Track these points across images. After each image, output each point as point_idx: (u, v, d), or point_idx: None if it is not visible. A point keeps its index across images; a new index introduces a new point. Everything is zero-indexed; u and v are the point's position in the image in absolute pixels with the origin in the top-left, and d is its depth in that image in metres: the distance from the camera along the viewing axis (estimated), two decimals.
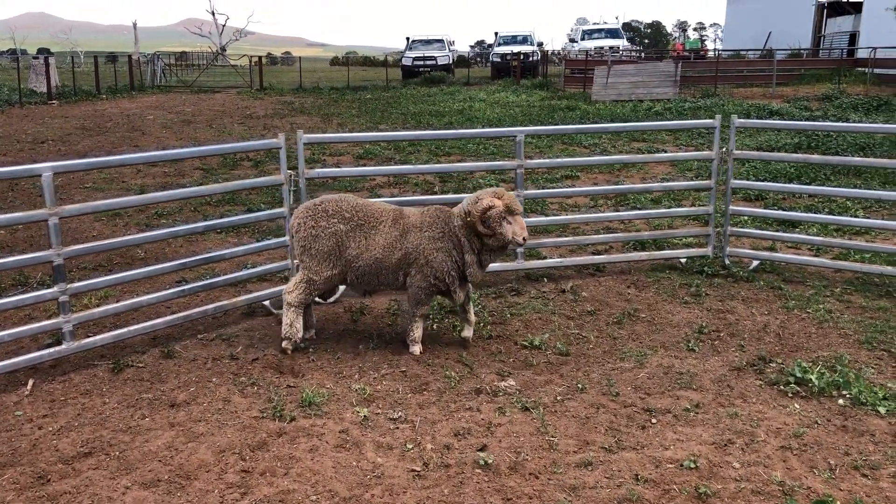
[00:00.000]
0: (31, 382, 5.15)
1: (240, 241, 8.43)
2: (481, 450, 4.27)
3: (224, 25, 57.91)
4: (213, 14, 58.47)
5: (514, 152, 7.12)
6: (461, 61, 50.23)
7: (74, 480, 4.00)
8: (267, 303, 6.49)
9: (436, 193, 11.14)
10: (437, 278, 5.51)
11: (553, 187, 11.30)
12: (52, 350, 5.36)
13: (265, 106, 25.71)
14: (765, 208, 9.49)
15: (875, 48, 26.83)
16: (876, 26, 30.34)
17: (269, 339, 5.90)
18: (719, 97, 24.13)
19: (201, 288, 6.31)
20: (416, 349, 5.65)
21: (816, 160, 8.43)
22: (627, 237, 7.97)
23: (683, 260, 7.62)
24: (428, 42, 40.34)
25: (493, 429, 4.51)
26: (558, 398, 4.90)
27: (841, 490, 3.86)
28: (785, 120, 17.65)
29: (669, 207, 9.66)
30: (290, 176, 6.46)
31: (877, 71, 26.83)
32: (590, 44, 37.76)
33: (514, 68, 34.61)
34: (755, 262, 7.50)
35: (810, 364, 5.21)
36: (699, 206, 9.46)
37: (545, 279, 7.31)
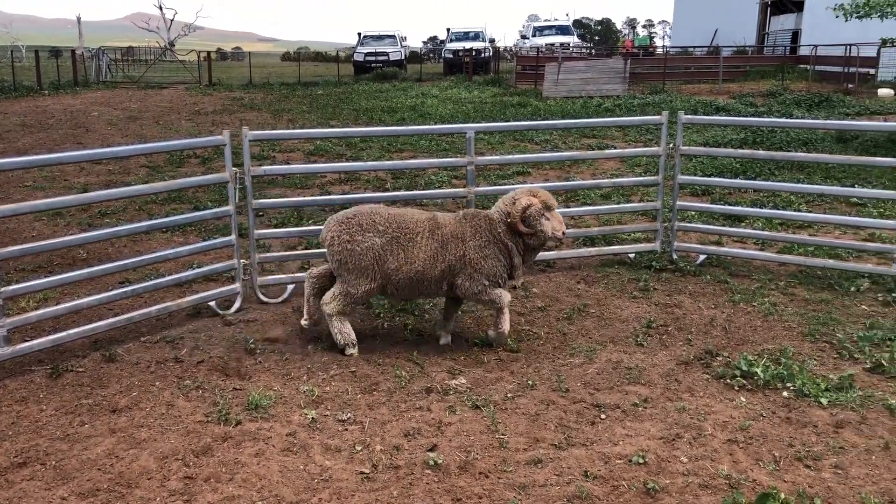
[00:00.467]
0: None
1: (186, 241, 8.25)
2: (431, 450, 4.23)
3: (172, 20, 56.82)
4: (160, 8, 57.29)
5: (464, 150, 7.09)
6: (414, 57, 50.10)
7: (7, 493, 3.85)
8: (213, 303, 6.35)
9: (387, 190, 11.08)
10: (491, 280, 5.48)
11: (505, 184, 11.31)
12: None
13: (214, 102, 25.29)
14: (711, 203, 9.65)
15: (816, 46, 27.51)
16: (817, 24, 31.13)
17: (215, 341, 5.77)
18: (667, 93, 24.48)
19: (145, 289, 6.15)
20: (504, 337, 5.60)
21: (762, 156, 8.59)
22: (577, 233, 8.01)
23: (632, 255, 7.69)
24: (379, 37, 40.16)
25: (444, 428, 4.48)
26: (509, 395, 4.89)
27: (785, 482, 3.91)
28: (731, 116, 17.95)
29: (619, 203, 9.76)
30: (236, 173, 6.33)
31: (818, 68, 27.52)
32: (541, 40, 37.99)
33: (466, 64, 34.65)
34: (702, 257, 7.60)
35: (756, 357, 5.28)
36: (647, 201, 9.55)
37: None
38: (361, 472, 4.02)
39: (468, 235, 5.46)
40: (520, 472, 4.02)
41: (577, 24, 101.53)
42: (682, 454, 4.18)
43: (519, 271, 5.55)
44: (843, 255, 7.55)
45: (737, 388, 4.94)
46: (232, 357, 5.48)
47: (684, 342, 5.74)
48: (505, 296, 5.54)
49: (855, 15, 13.15)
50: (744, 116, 17.85)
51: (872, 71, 24.80)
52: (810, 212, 9.18)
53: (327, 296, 5.54)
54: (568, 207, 9.71)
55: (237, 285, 6.49)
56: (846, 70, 24.98)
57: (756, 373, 5.01)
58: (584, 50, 43.92)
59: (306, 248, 7.91)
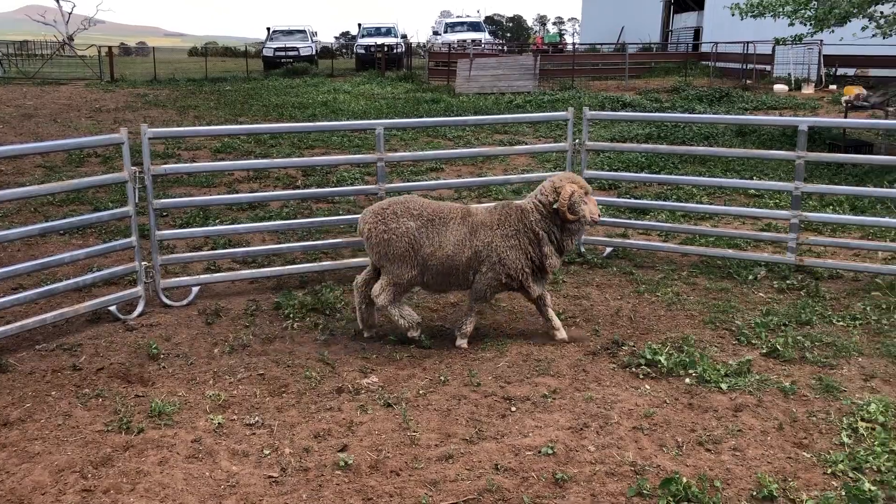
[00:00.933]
0: None
1: (85, 243, 7.91)
2: (342, 450, 4.18)
3: (70, 13, 54.35)
4: (57, 1, 54.74)
5: (376, 145, 7.04)
6: (326, 52, 49.52)
7: None
8: (114, 308, 6.11)
9: (298, 188, 10.91)
10: (510, 276, 5.47)
11: (418, 180, 11.30)
12: None
13: (117, 99, 24.36)
14: (618, 197, 9.89)
15: (717, 43, 28.57)
16: (716, 23, 32.29)
17: (117, 347, 5.56)
18: (576, 90, 24.97)
19: (40, 295, 5.87)
20: (464, 343, 5.60)
21: (664, 150, 8.87)
22: None
23: None
24: (290, 32, 39.51)
25: (355, 428, 4.44)
26: (421, 392, 4.88)
27: (687, 466, 4.04)
28: (637, 111, 18.48)
29: None
30: (135, 172, 6.10)
31: (719, 64, 28.60)
32: (453, 37, 38.12)
33: (379, 60, 34.47)
34: (608, 249, 7.78)
35: (659, 346, 5.42)
36: None
37: None
38: (270, 477, 3.94)
39: (496, 223, 5.49)
40: (431, 469, 4.01)
41: (489, 20, 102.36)
42: (589, 443, 4.26)
43: (552, 260, 5.53)
44: (742, 244, 7.86)
45: (642, 377, 5.07)
46: (134, 363, 5.29)
47: (592, 333, 5.86)
48: (481, 305, 5.69)
49: (750, 14, 13.70)
50: (649, 112, 18.39)
51: (768, 68, 25.92)
52: (711, 204, 9.52)
53: (376, 288, 5.58)
54: (481, 203, 9.79)
55: (139, 288, 6.27)
56: (745, 67, 26.02)
57: (660, 361, 5.16)
58: (496, 47, 44.31)
59: (213, 249, 7.71)
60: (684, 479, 3.78)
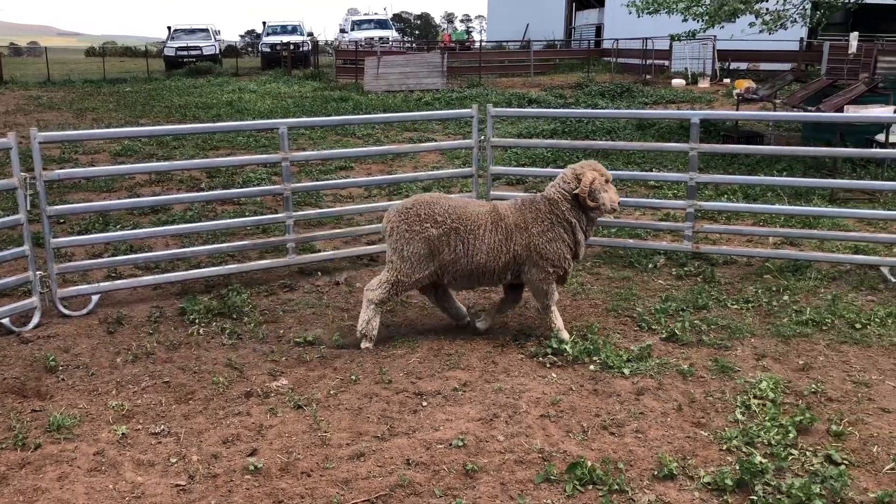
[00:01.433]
0: None
1: None
2: (251, 454, 4.13)
3: None
4: None
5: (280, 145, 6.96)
6: (232, 51, 48.43)
7: None
8: (6, 321, 5.84)
9: (202, 190, 10.66)
10: (556, 267, 5.46)
11: (327, 179, 11.22)
12: None
13: (6, 101, 23.19)
14: (525, 192, 10.06)
15: (617, 39, 29.40)
16: (616, 19, 33.24)
17: (11, 361, 5.32)
18: (484, 87, 25.26)
19: None
20: (565, 335, 5.52)
21: (565, 145, 9.09)
22: None
23: None
24: (192, 31, 38.46)
25: (265, 431, 4.39)
26: (332, 392, 4.87)
27: (592, 450, 4.17)
28: (542, 107, 18.86)
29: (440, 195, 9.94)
30: (26, 179, 5.85)
31: (620, 60, 29.45)
32: (360, 34, 37.97)
33: (285, 59, 33.97)
34: None
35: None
36: (466, 192, 9.82)
37: (319, 273, 7.24)
38: (177, 485, 3.86)
39: (530, 222, 5.44)
40: (342, 468, 4.01)
41: (397, 18, 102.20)
42: (499, 433, 4.34)
43: (582, 247, 5.56)
44: (642, 234, 8.14)
45: (548, 366, 5.20)
46: (30, 377, 5.08)
47: (501, 325, 5.96)
48: (553, 298, 5.58)
49: (646, 11, 14.18)
50: (554, 108, 18.79)
51: (667, 63, 26.87)
52: None
53: (374, 282, 5.56)
54: (391, 200, 9.81)
55: (34, 299, 6.02)
56: (644, 62, 26.89)
57: (565, 349, 5.30)
58: (405, 44, 44.36)
59: (113, 255, 7.46)
60: (589, 463, 3.91)
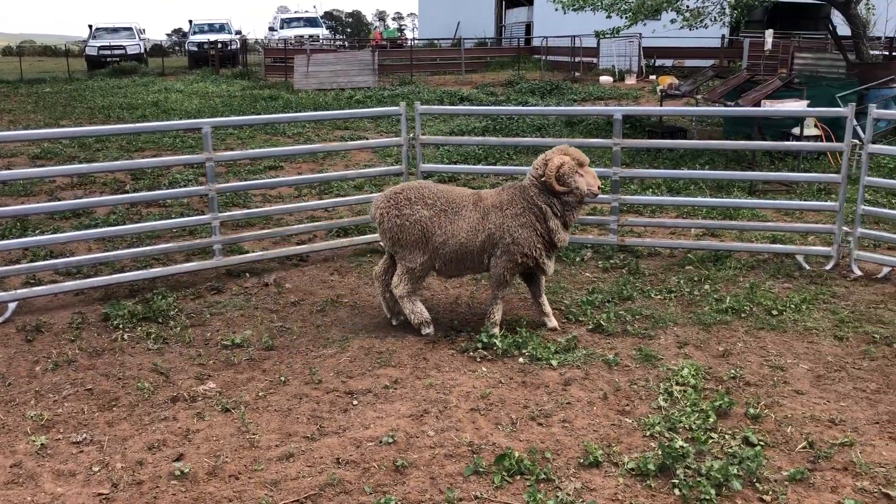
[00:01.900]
0: None
1: None
2: (177, 460, 4.06)
3: None
4: None
5: (214, 145, 6.83)
6: (158, 50, 47.28)
7: None
8: None
9: (127, 192, 10.38)
10: (525, 255, 5.42)
11: (256, 178, 11.07)
12: None
13: None
14: None
15: (546, 37, 29.78)
16: (545, 17, 33.64)
17: None
18: (415, 84, 25.27)
19: None
20: (496, 331, 5.55)
21: (493, 142, 9.17)
22: (329, 225, 8.05)
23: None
24: (115, 30, 37.38)
25: (191, 436, 4.32)
26: (260, 394, 4.82)
27: (521, 441, 4.23)
28: (474, 105, 18.98)
29: (371, 193, 9.93)
30: None
31: (550, 58, 29.83)
32: (289, 32, 37.57)
33: (212, 57, 33.32)
34: None
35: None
36: None
37: (247, 274, 7.14)
38: (100, 494, 3.77)
39: (504, 204, 5.45)
40: (271, 469, 3.99)
41: (328, 16, 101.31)
42: (429, 428, 4.37)
43: (560, 234, 5.47)
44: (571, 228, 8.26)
45: (479, 360, 5.25)
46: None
47: (432, 321, 5.97)
48: (504, 291, 5.62)
49: (572, 8, 14.42)
50: (485, 105, 18.93)
51: (595, 60, 27.34)
52: None
53: (394, 279, 5.63)
54: (321, 199, 9.75)
55: None
56: (573, 60, 27.30)
57: (495, 343, 5.36)
58: (336, 42, 44.02)
59: (32, 261, 7.21)
60: (517, 454, 3.97)
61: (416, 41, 42.82)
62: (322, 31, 40.00)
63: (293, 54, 27.16)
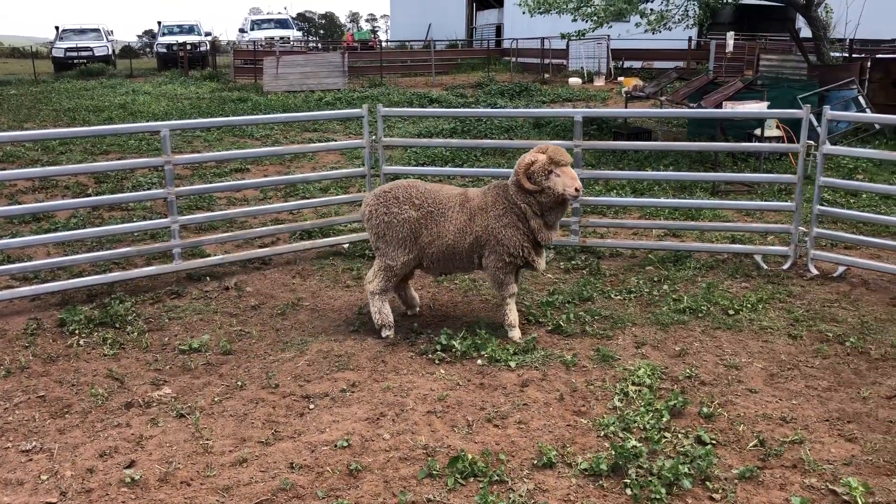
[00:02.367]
0: None
1: None
2: (129, 467, 4.02)
3: None
4: None
5: (180, 147, 6.77)
6: (129, 52, 46.75)
7: None
8: None
9: (89, 195, 10.26)
10: (512, 254, 5.41)
11: (221, 181, 10.98)
12: None
13: None
14: None
15: (516, 39, 29.89)
16: (515, 19, 33.71)
17: None
18: (386, 86, 25.24)
19: None
20: (516, 334, 5.55)
21: (455, 143, 9.21)
22: (291, 228, 8.01)
23: (346, 245, 7.86)
24: (81, 31, 36.90)
25: (144, 442, 4.28)
26: (216, 399, 4.79)
27: (476, 443, 4.24)
28: (443, 107, 18.99)
29: (337, 195, 9.90)
30: None
31: (520, 60, 29.95)
32: (260, 34, 37.34)
33: (181, 59, 33.02)
34: None
35: (454, 331, 5.64)
36: (362, 191, 9.80)
37: (208, 278, 7.08)
38: (48, 503, 3.72)
39: (489, 205, 5.45)
40: (224, 475, 3.96)
41: (301, 17, 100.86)
42: (385, 432, 4.37)
43: (542, 233, 5.40)
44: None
45: (437, 362, 5.26)
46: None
47: (393, 325, 5.97)
48: (510, 289, 5.57)
49: (537, 11, 14.49)
50: (455, 107, 18.96)
51: (564, 62, 27.49)
52: None
53: (369, 274, 5.66)
54: (287, 202, 9.70)
55: None
56: (542, 62, 27.43)
57: (454, 346, 5.37)
58: (309, 44, 43.82)
59: None
60: (470, 456, 3.98)
61: (388, 43, 42.74)
62: (293, 33, 39.81)
63: (263, 56, 26.99)
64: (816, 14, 14.12)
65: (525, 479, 3.89)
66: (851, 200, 9.44)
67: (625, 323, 5.90)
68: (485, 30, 40.29)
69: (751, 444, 4.20)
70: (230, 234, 7.65)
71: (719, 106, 10.64)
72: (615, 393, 4.78)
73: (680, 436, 4.27)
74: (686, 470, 3.86)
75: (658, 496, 3.71)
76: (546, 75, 26.43)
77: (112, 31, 39.80)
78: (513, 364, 5.18)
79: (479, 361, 5.24)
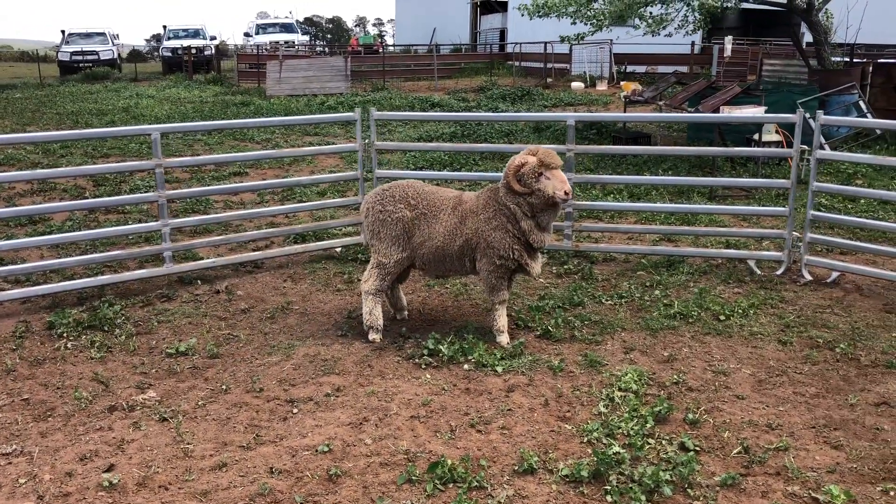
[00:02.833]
0: None
1: None
2: (107, 470, 4.01)
3: None
4: None
5: (181, 151, 6.77)
6: (137, 56, 46.92)
7: None
8: None
9: (86, 198, 10.27)
10: (503, 257, 5.38)
11: (220, 184, 10.98)
12: None
13: None
14: None
15: (520, 43, 29.89)
16: (519, 23, 33.69)
17: None
18: (388, 90, 25.25)
19: None
20: (504, 339, 5.55)
21: (447, 147, 9.23)
22: (284, 231, 8.01)
23: (339, 249, 7.85)
24: (88, 35, 37.09)
25: (125, 446, 4.27)
26: (200, 403, 4.77)
27: (458, 448, 4.21)
28: (444, 111, 18.99)
29: (334, 198, 9.89)
30: None
31: (523, 64, 29.95)
32: (265, 38, 37.40)
33: (186, 63, 33.13)
34: None
35: (442, 335, 5.61)
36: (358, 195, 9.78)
37: (199, 281, 7.07)
38: None
39: (480, 209, 5.45)
40: (203, 479, 3.94)
41: (309, 22, 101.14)
42: (367, 436, 4.35)
43: (535, 235, 5.35)
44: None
45: (424, 367, 5.23)
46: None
47: (381, 328, 5.95)
48: (500, 295, 5.55)
49: (537, 14, 14.46)
50: (456, 111, 18.95)
51: (567, 66, 27.47)
52: None
53: (364, 275, 5.70)
54: (283, 205, 9.70)
55: None
56: (545, 66, 27.41)
57: (441, 350, 5.34)
58: (317, 49, 43.90)
59: None
60: (449, 462, 3.95)
61: (393, 47, 42.79)
62: (298, 37, 39.84)
63: (266, 60, 27.06)
64: (817, 19, 14.07)
65: (505, 486, 3.86)
66: (850, 206, 9.38)
67: (614, 328, 5.87)
68: (489, 34, 40.30)
69: (735, 451, 4.16)
70: (222, 237, 7.64)
71: (716, 110, 10.60)
72: (601, 398, 4.74)
73: (664, 442, 4.23)
74: (667, 477, 3.82)
75: (638, 503, 3.67)
76: (549, 79, 26.40)
77: (118, 35, 40.00)
78: (500, 369, 5.15)
79: (466, 366, 5.21)
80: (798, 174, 6.97)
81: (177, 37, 37.77)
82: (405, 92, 24.92)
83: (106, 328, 5.96)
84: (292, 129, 16.86)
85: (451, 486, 3.86)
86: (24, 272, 6.76)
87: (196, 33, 38.09)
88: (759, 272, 7.09)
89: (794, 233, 7.07)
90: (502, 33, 38.06)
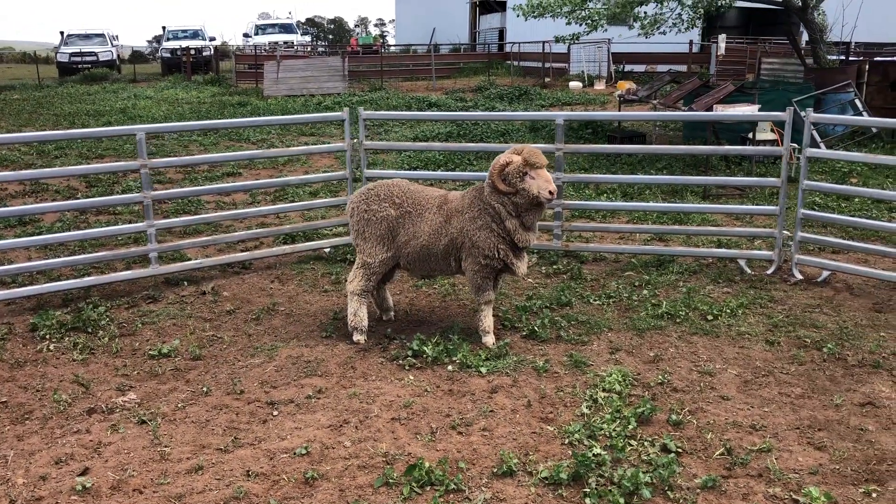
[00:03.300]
0: None
1: None
2: (82, 474, 3.97)
3: None
4: None
5: (176, 151, 6.73)
6: (138, 57, 46.91)
7: None
8: None
9: (77, 198, 10.24)
10: (488, 257, 5.34)
11: (213, 184, 10.94)
12: None
13: None
14: None
15: (518, 43, 29.83)
16: (517, 23, 33.58)
17: None
18: (386, 90, 25.20)
19: None
20: (489, 340, 5.51)
21: (438, 147, 9.17)
22: (272, 232, 7.97)
23: (328, 250, 7.81)
24: (87, 36, 37.06)
25: (101, 449, 4.23)
26: (180, 405, 4.73)
27: (437, 451, 4.17)
28: (442, 111, 18.94)
29: (326, 198, 9.85)
30: None
31: (522, 63, 29.90)
32: (263, 39, 37.40)
33: (185, 64, 33.10)
34: None
35: (427, 336, 5.56)
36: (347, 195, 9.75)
37: (186, 282, 7.04)
38: None
39: (465, 208, 5.41)
40: (178, 483, 3.90)
41: (310, 22, 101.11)
42: (346, 439, 4.30)
43: (520, 235, 5.30)
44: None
45: (407, 368, 5.19)
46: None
47: (366, 330, 5.91)
48: (486, 295, 5.51)
49: (532, 15, 14.42)
50: (453, 111, 18.90)
51: (566, 66, 27.41)
52: None
53: (350, 275, 5.67)
54: (274, 205, 9.66)
55: None
56: (544, 65, 27.35)
57: (425, 351, 5.29)
58: (318, 49, 43.84)
59: None
60: (427, 464, 3.91)
61: (393, 47, 42.74)
62: (297, 38, 39.80)
63: (264, 60, 27.03)
64: (813, 17, 14.02)
65: (483, 488, 3.82)
66: (844, 205, 9.32)
67: (601, 328, 5.82)
68: (488, 34, 40.24)
69: (717, 453, 4.11)
70: (210, 238, 7.59)
71: (710, 109, 10.54)
72: (584, 399, 4.70)
73: (646, 444, 4.19)
74: (647, 479, 3.78)
75: None
76: (547, 79, 26.35)
77: (117, 36, 39.94)
78: (483, 370, 5.10)
79: (450, 367, 5.16)
80: (790, 172, 6.91)
81: (176, 38, 37.74)
82: (403, 92, 24.87)
83: (90, 330, 5.93)
84: (288, 129, 16.84)
85: (428, 488, 3.82)
86: (10, 273, 6.72)
87: (195, 34, 38.06)
88: (749, 271, 7.04)
89: (784, 231, 7.01)
90: (501, 33, 38.00)
